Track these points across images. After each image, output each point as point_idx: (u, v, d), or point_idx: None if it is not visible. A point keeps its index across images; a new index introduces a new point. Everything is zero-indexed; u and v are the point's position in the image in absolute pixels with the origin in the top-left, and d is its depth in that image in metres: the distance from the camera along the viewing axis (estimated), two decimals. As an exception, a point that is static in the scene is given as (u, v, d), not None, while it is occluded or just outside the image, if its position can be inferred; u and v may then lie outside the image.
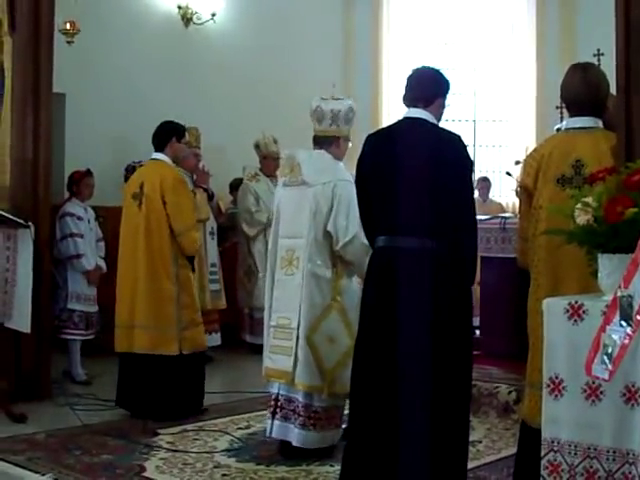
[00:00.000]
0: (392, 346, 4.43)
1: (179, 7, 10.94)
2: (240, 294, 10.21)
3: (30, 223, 6.99)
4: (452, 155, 4.52)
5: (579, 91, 4.77)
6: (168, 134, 7.22)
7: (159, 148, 7.21)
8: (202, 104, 10.31)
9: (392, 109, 12.67)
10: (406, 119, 4.73)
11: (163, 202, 6.93)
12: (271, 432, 5.90)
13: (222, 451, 5.96)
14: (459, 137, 4.62)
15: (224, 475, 5.44)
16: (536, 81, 12.58)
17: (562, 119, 9.46)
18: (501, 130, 12.60)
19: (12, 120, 7.53)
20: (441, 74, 4.85)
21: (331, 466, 5.57)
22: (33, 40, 7.51)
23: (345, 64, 12.64)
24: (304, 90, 11.68)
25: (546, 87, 11.93)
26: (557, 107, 9.66)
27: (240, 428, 6.59)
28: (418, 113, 4.67)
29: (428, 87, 4.74)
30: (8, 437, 6.21)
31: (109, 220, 10.29)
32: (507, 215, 8.53)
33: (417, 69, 4.87)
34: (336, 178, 5.75)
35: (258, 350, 9.40)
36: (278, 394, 5.86)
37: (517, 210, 8.46)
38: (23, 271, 6.98)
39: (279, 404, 5.84)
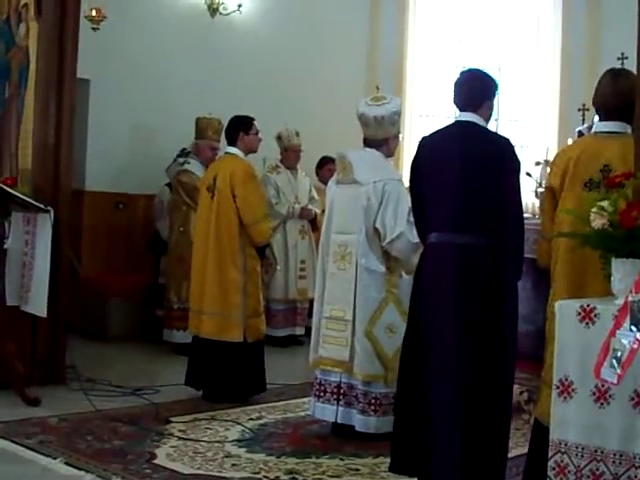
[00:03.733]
0: (441, 340, 4.69)
1: (206, -3, 10.96)
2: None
3: (50, 208, 7.01)
4: (502, 157, 4.77)
5: (607, 97, 4.79)
6: (235, 129, 7.42)
7: (231, 143, 7.44)
8: (225, 94, 10.31)
9: (415, 105, 12.68)
10: (457, 122, 5.00)
11: (233, 195, 7.15)
12: (313, 411, 6.27)
13: (233, 441, 5.98)
14: (508, 140, 4.88)
15: (234, 465, 5.47)
16: (559, 82, 12.51)
17: (584, 121, 9.45)
18: (522, 130, 12.56)
19: (35, 105, 7.54)
20: (489, 76, 5.10)
21: (341, 459, 5.64)
22: (59, 25, 7.50)
23: (370, 56, 12.61)
24: (329, 82, 11.81)
25: (569, 88, 11.92)
26: (579, 109, 9.65)
27: (252, 419, 6.60)
28: (468, 117, 4.94)
29: (477, 91, 4.99)
30: (21, 420, 6.25)
31: (129, 207, 10.40)
32: (526, 216, 8.50)
33: (465, 72, 5.16)
34: (386, 177, 6.04)
35: (275, 342, 9.55)
36: (340, 382, 6.11)
37: (536, 211, 8.48)
38: (41, 255, 7.01)
39: (342, 391, 6.10)
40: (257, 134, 7.50)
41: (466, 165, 4.76)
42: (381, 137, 6.19)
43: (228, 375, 7.13)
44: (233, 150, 7.42)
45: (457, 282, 4.71)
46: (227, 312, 7.14)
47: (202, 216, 7.45)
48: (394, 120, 6.24)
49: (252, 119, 7.48)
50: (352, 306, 6.03)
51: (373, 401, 5.98)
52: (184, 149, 9.76)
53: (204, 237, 7.30)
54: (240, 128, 7.41)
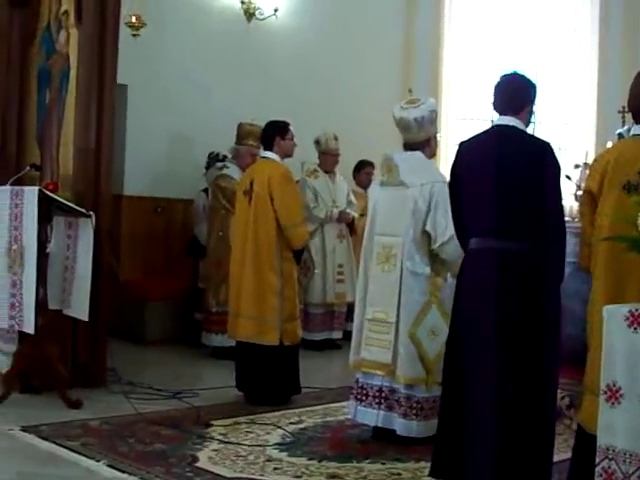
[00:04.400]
0: (481, 346, 4.71)
1: (242, 2, 10.94)
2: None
3: (91, 212, 7.05)
4: (541, 160, 4.75)
5: (638, 99, 4.77)
6: (272, 134, 7.46)
7: (268, 147, 7.48)
8: (262, 100, 10.32)
9: (451, 109, 12.64)
10: (497, 126, 4.99)
11: (271, 199, 7.19)
12: (354, 415, 6.22)
13: (274, 445, 5.98)
14: (548, 144, 4.85)
15: (276, 469, 5.48)
16: (597, 84, 12.45)
17: (624, 123, 9.39)
18: (561, 133, 12.50)
19: (76, 110, 7.58)
20: (529, 81, 5.08)
21: (382, 464, 5.61)
22: (99, 32, 7.53)
23: (405, 58, 12.60)
24: (365, 86, 11.81)
25: (608, 90, 11.83)
26: (619, 111, 9.58)
27: (292, 423, 6.60)
28: (508, 121, 4.93)
29: (517, 95, 4.99)
30: (64, 422, 6.29)
31: (168, 211, 10.45)
32: (566, 219, 8.46)
33: (506, 76, 5.11)
34: (434, 179, 6.01)
35: (312, 346, 9.56)
36: (382, 385, 6.08)
37: (575, 214, 8.44)
38: (83, 260, 7.04)
39: (383, 395, 6.07)
40: (293, 139, 7.52)
41: (505, 170, 4.75)
42: (423, 138, 6.19)
43: (266, 378, 7.16)
44: (270, 154, 7.45)
45: (498, 288, 4.72)
46: (264, 315, 7.16)
47: (240, 220, 7.48)
48: (433, 119, 6.25)
49: (288, 124, 7.50)
50: (396, 308, 5.99)
51: (415, 405, 5.94)
52: (212, 153, 9.85)
53: (242, 241, 7.33)
54: (276, 133, 7.44)
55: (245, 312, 7.21)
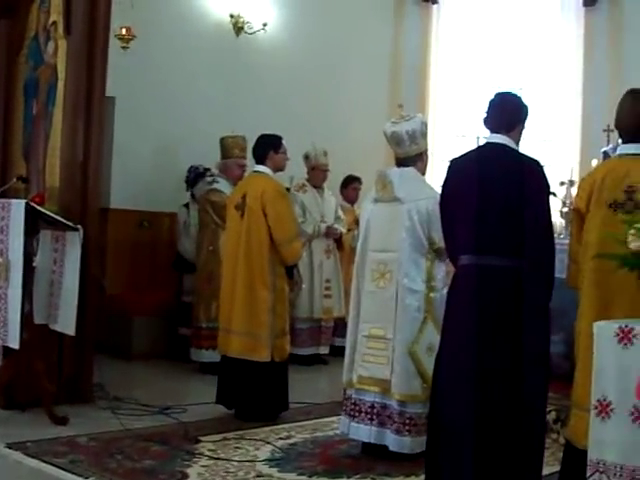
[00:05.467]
0: (469, 362, 4.70)
1: (231, 16, 10.98)
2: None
3: (79, 226, 7.01)
4: (532, 179, 4.76)
5: (628, 118, 4.84)
6: (265, 148, 7.42)
7: (260, 161, 7.44)
8: (250, 114, 10.35)
9: (438, 125, 12.67)
10: (488, 144, 5.03)
11: (264, 214, 7.14)
12: (347, 431, 6.18)
13: (264, 460, 5.96)
14: (537, 162, 4.90)
15: (266, 485, 5.47)
16: (582, 102, 12.50)
17: (609, 141, 9.44)
18: (547, 150, 12.54)
19: (63, 122, 7.55)
20: (521, 100, 5.16)
21: (372, 479, 5.61)
22: (88, 43, 7.51)
23: (393, 75, 12.67)
24: (353, 101, 11.85)
25: (593, 108, 11.85)
26: (604, 130, 9.63)
27: (281, 438, 6.57)
28: (500, 139, 4.96)
29: (510, 114, 5.05)
30: (50, 439, 6.22)
31: (154, 225, 10.43)
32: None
33: (500, 94, 5.18)
34: (428, 195, 6.01)
35: (299, 361, 9.55)
36: (374, 401, 6.06)
37: (561, 231, 8.48)
38: (70, 274, 6.99)
39: (376, 411, 6.05)
40: (285, 153, 7.51)
41: (494, 187, 4.78)
42: (415, 152, 6.19)
43: (256, 394, 7.11)
44: (262, 168, 7.41)
45: (484, 305, 4.72)
46: (256, 331, 7.11)
47: (231, 235, 7.44)
48: (424, 132, 6.26)
49: (281, 138, 7.49)
50: (393, 324, 5.99)
51: (408, 421, 5.92)
52: (192, 167, 9.90)
53: (234, 256, 7.28)
54: (270, 147, 7.41)
55: (237, 328, 7.16)
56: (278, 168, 7.49)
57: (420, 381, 5.90)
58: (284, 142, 7.47)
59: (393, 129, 6.20)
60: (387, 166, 6.40)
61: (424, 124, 6.28)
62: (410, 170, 6.18)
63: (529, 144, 11.91)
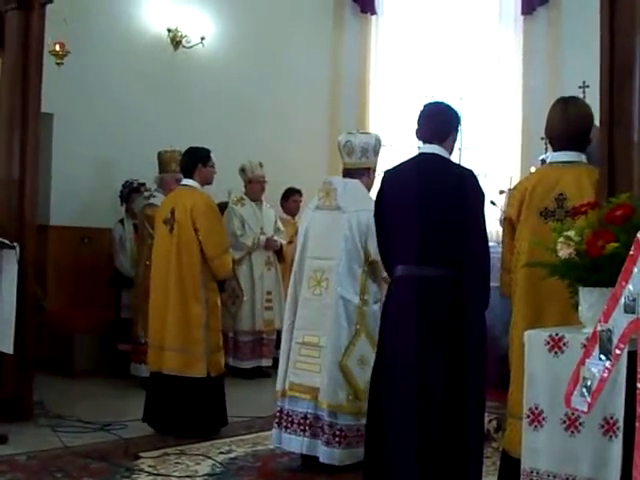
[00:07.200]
0: (407, 374, 4.71)
1: (169, 30, 10.95)
2: (224, 318, 10.19)
3: (15, 243, 6.95)
4: (465, 188, 4.77)
5: (559, 126, 4.88)
6: (193, 161, 7.35)
7: (187, 174, 7.36)
8: (190, 127, 10.32)
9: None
10: (421, 155, 5.01)
11: (195, 228, 7.08)
12: (280, 442, 6.19)
13: (204, 475, 5.94)
14: (471, 171, 4.90)
15: (206, 499, 5.45)
16: (521, 111, 12.63)
17: (547, 150, 9.49)
18: (486, 159, 12.65)
19: (-1, 139, 7.52)
20: (452, 109, 5.14)
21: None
22: (22, 60, 7.48)
23: (333, 88, 12.68)
24: (292, 115, 11.85)
25: (531, 117, 11.97)
26: (542, 138, 9.70)
27: (222, 452, 6.57)
28: (433, 149, 4.97)
29: (442, 123, 5.04)
30: (-11, 458, 6.17)
31: (96, 241, 10.36)
32: (491, 244, 8.54)
33: (430, 105, 5.17)
34: (369, 207, 5.88)
35: (241, 374, 9.53)
36: (307, 412, 6.07)
37: (500, 239, 8.54)
38: (7, 292, 6.91)
39: (308, 422, 6.06)
40: (213, 166, 7.44)
41: (429, 198, 4.78)
42: (363, 166, 6.23)
43: (192, 411, 7.04)
44: (190, 182, 7.33)
45: (422, 315, 4.73)
46: (190, 348, 7.05)
47: (160, 250, 7.34)
48: (377, 149, 6.29)
49: (209, 151, 7.43)
50: (327, 333, 6.00)
51: (338, 433, 5.92)
52: (127, 182, 9.91)
53: (164, 272, 7.20)
54: (198, 160, 7.34)
55: (170, 344, 7.09)
56: (206, 181, 7.42)
57: (346, 393, 5.92)
58: (212, 155, 7.41)
59: (348, 139, 6.25)
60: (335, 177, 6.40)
61: (378, 141, 6.32)
62: (355, 182, 6.21)
63: (469, 153, 12.15)
